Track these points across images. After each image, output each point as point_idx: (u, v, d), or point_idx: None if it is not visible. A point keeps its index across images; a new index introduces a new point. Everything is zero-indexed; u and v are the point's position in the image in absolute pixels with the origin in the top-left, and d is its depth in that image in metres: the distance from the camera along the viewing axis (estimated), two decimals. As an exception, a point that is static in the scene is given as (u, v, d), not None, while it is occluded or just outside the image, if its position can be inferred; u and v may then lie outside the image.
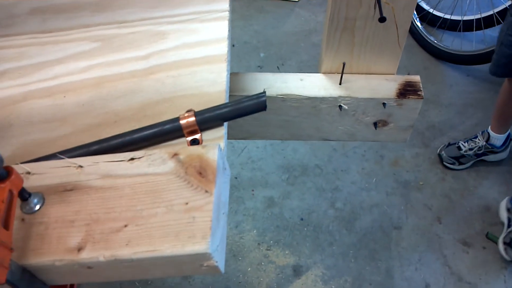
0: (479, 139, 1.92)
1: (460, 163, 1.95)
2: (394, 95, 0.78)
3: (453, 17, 2.31)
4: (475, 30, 2.25)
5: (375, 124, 0.83)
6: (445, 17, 2.32)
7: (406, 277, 1.72)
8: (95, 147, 0.56)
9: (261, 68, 2.32)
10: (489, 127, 1.93)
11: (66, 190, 0.50)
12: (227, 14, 0.70)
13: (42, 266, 0.46)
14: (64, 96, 0.64)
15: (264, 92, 0.56)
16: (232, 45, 2.28)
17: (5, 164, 0.45)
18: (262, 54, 2.39)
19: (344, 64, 0.77)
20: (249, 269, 1.75)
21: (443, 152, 1.96)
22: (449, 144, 1.98)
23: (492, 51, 1.87)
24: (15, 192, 0.46)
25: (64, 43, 0.71)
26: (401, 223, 1.85)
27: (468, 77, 2.29)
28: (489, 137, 1.90)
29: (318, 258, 1.76)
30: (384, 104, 0.79)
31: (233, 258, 1.76)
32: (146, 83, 0.64)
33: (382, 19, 0.68)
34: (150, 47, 0.68)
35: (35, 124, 0.62)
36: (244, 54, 2.37)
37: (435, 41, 2.30)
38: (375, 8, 0.71)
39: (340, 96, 0.79)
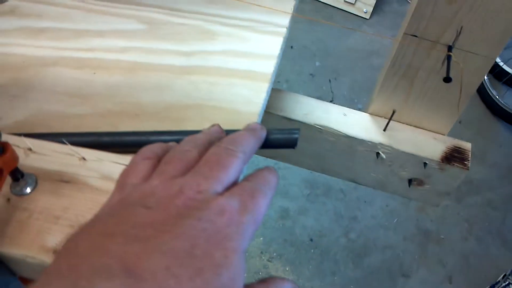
0: None
1: None
2: (438, 157, 0.72)
3: (521, 77, 2.20)
4: (542, 95, 2.14)
5: (409, 180, 0.77)
6: (512, 73, 2.22)
7: (401, 330, 1.65)
8: (106, 139, 0.52)
9: (313, 77, 2.26)
10: None
11: (62, 180, 0.47)
12: (284, 30, 0.65)
13: (13, 257, 0.42)
14: (94, 73, 0.60)
15: (298, 129, 0.51)
16: (290, 47, 2.23)
17: (5, 138, 0.42)
18: (317, 63, 2.32)
19: (394, 112, 0.71)
20: (245, 274, 1.71)
21: None
22: None
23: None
24: (6, 172, 0.42)
25: (110, 16, 0.67)
26: (410, 272, 1.77)
27: (521, 141, 2.18)
28: None
29: (316, 284, 1.70)
30: (425, 164, 0.73)
31: (232, 260, 1.73)
32: (179, 82, 0.59)
33: (447, 79, 0.61)
34: (195, 45, 0.64)
35: (57, 94, 0.58)
36: (300, 58, 2.31)
37: (497, 96, 2.20)
38: (443, 64, 0.65)
39: (380, 143, 0.73)
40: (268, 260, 1.73)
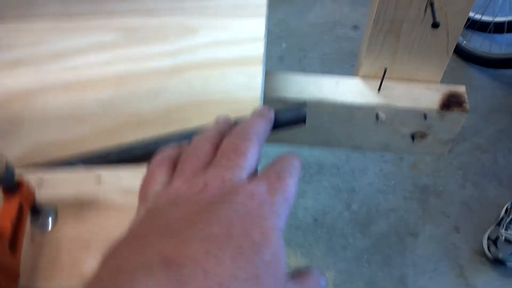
0: None
1: None
2: (437, 106, 0.72)
3: (484, 18, 2.22)
4: (506, 33, 2.17)
5: (412, 135, 0.77)
6: (475, 17, 2.24)
7: (420, 286, 1.67)
8: (115, 154, 0.51)
9: (282, 59, 2.26)
10: None
11: (82, 205, 0.45)
12: (264, 10, 0.64)
13: (52, 291, 0.41)
14: (83, 92, 0.59)
15: (305, 104, 0.50)
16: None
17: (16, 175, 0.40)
18: (284, 44, 2.32)
19: (385, 70, 0.71)
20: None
21: (501, 255, 1.67)
22: (494, 241, 1.71)
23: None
24: (26, 208, 0.41)
25: (85, 30, 0.65)
26: (417, 229, 1.79)
27: (494, 80, 2.22)
28: None
29: (330, 262, 1.71)
30: (425, 115, 0.73)
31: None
32: (172, 83, 0.58)
33: (435, 25, 0.61)
34: (179, 42, 0.62)
35: (49, 121, 0.56)
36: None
37: (464, 42, 2.22)
38: (425, 11, 0.65)
39: (378, 104, 0.72)
40: (278, 248, 1.73)
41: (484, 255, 1.72)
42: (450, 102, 0.73)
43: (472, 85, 2.20)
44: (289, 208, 0.35)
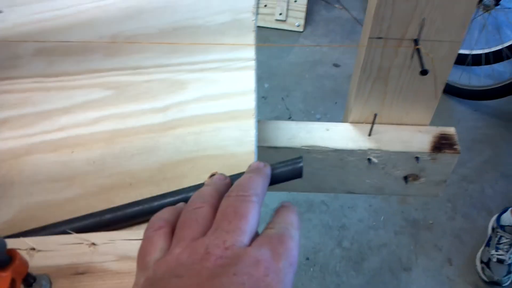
0: (506, 238, 1.72)
1: (511, 272, 1.74)
2: (428, 148, 0.72)
3: (461, 51, 2.27)
4: (484, 65, 2.22)
5: (405, 178, 0.77)
6: (452, 51, 2.29)
7: (417, 324, 1.64)
8: (108, 216, 0.50)
9: (265, 99, 2.27)
10: (507, 216, 1.75)
11: (77, 273, 0.43)
12: (253, 63, 0.64)
13: None
14: (72, 152, 0.57)
15: (301, 158, 0.50)
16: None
17: (7, 245, 0.38)
18: (266, 85, 2.34)
19: (375, 116, 0.71)
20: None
21: (497, 278, 1.69)
22: (487, 263, 1.72)
23: (501, 87, 1.82)
24: (18, 281, 0.39)
25: (72, 90, 0.64)
26: (410, 264, 1.78)
27: (475, 112, 2.25)
28: None
29: (325, 302, 1.68)
30: (417, 158, 0.73)
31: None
32: (165, 140, 0.57)
33: (424, 72, 0.62)
34: (168, 98, 0.62)
35: (39, 183, 0.55)
36: (248, 84, 2.32)
37: (443, 75, 2.26)
38: (412, 58, 0.65)
39: (369, 149, 0.72)
40: (271, 291, 1.70)
41: (479, 280, 1.71)
42: (442, 144, 0.73)
43: (453, 118, 2.23)
44: (294, 272, 0.34)
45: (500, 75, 2.21)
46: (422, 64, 0.62)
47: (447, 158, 0.73)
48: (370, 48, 0.65)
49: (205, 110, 0.60)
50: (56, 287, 0.43)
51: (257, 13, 0.71)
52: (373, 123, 0.72)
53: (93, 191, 0.54)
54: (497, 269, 1.69)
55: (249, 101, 0.60)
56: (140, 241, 0.44)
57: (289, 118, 2.17)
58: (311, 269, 1.76)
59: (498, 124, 2.19)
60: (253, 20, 0.69)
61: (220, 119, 0.59)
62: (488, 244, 1.76)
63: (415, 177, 0.77)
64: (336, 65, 2.44)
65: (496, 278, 1.68)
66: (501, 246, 1.72)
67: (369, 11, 0.63)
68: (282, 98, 2.28)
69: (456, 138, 0.74)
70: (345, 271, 1.76)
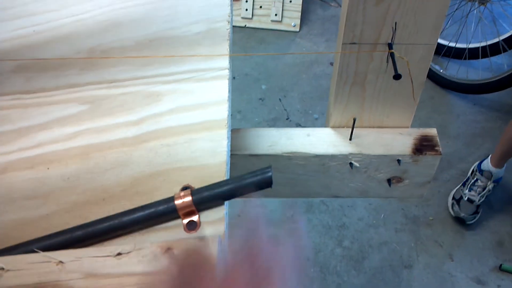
0: (481, 181, 1.84)
1: (478, 213, 1.84)
2: (409, 151, 0.72)
3: (458, 45, 2.25)
4: (481, 58, 2.20)
5: (388, 180, 0.77)
6: (449, 45, 2.27)
7: (419, 321, 1.64)
8: (79, 233, 0.50)
9: (263, 101, 2.27)
10: (487, 162, 1.86)
11: (44, 292, 0.44)
12: (227, 72, 0.64)
13: None
14: (48, 168, 0.58)
15: (270, 167, 0.50)
16: (233, 78, 2.23)
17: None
18: (263, 86, 2.33)
19: (354, 120, 0.71)
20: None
21: (462, 214, 1.81)
22: (457, 201, 1.85)
23: (499, 80, 1.81)
24: (-17, 304, 0.40)
25: (49, 105, 0.65)
26: (411, 261, 1.77)
27: (474, 106, 2.23)
28: (492, 175, 1.83)
29: (326, 302, 1.68)
30: (398, 161, 0.73)
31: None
32: (138, 153, 0.57)
33: (397, 77, 0.62)
34: (143, 111, 0.62)
35: (14, 201, 0.55)
36: (245, 86, 2.31)
37: (440, 70, 2.25)
38: (387, 61, 0.65)
39: (350, 153, 0.72)
40: (272, 293, 1.70)
41: (482, 274, 1.71)
42: (423, 146, 0.73)
43: (452, 112, 2.21)
44: None
45: (498, 68, 2.19)
46: (395, 69, 0.62)
47: (429, 160, 0.73)
48: (345, 53, 0.65)
49: (179, 121, 0.60)
50: (24, 307, 0.43)
51: (231, 22, 0.71)
52: (353, 127, 0.72)
53: (67, 208, 0.54)
54: (465, 207, 1.81)
55: (223, 111, 0.60)
56: (105, 258, 0.45)
57: (287, 119, 2.17)
58: (312, 269, 1.75)
59: (498, 117, 2.18)
60: (227, 29, 0.69)
61: (193, 130, 0.59)
62: (464, 184, 1.88)
63: (399, 180, 0.77)
64: (333, 64, 2.42)
65: (462, 215, 1.80)
66: (474, 188, 1.83)
67: (342, 17, 0.63)
68: (280, 99, 2.28)
69: (437, 139, 0.74)
70: (346, 270, 1.75)
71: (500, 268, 1.72)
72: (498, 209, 1.89)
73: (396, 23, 0.61)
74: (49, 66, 0.69)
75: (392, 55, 0.63)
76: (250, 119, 2.20)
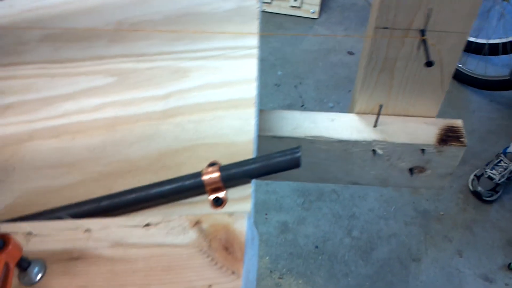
0: (504, 162, 1.88)
1: (496, 192, 1.88)
2: (434, 141, 0.71)
3: (478, 40, 2.23)
4: (501, 54, 2.17)
5: (410, 170, 0.76)
6: (470, 39, 2.25)
7: (425, 314, 1.64)
8: (105, 203, 0.50)
9: (278, 86, 2.26)
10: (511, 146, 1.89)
11: (71, 258, 0.44)
12: (256, 51, 0.64)
13: None
14: (73, 138, 0.58)
15: (299, 147, 0.49)
16: (248, 62, 2.22)
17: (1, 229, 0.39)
18: (279, 72, 2.32)
19: (381, 107, 0.70)
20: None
21: (479, 188, 1.86)
22: (478, 177, 1.90)
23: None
24: (12, 265, 0.39)
25: (76, 76, 0.64)
26: (420, 255, 1.77)
27: (491, 102, 2.21)
28: None
29: (332, 290, 1.68)
30: (423, 150, 0.72)
31: (244, 287, 1.69)
32: (164, 128, 0.57)
33: (429, 64, 0.61)
34: (170, 86, 0.61)
35: (39, 169, 0.55)
36: (261, 71, 2.30)
37: (459, 65, 2.23)
38: (418, 49, 0.64)
39: (374, 140, 0.72)
40: (279, 278, 1.70)
41: (490, 272, 1.70)
42: (448, 137, 0.72)
43: (468, 108, 2.19)
44: None
45: (518, 65, 2.17)
46: (427, 55, 0.61)
47: (453, 150, 0.72)
48: (376, 38, 0.64)
49: (206, 98, 0.60)
50: (50, 271, 0.43)
51: (261, 0, 0.70)
52: (378, 114, 0.71)
53: (92, 178, 0.54)
54: (484, 183, 1.86)
55: (251, 90, 0.59)
56: (133, 228, 0.45)
57: (302, 106, 2.16)
58: (320, 257, 1.76)
59: (514, 115, 2.16)
60: (257, 8, 0.68)
61: (220, 107, 0.58)
62: (487, 164, 1.93)
63: (421, 169, 0.76)
64: (350, 53, 2.41)
65: (479, 188, 1.86)
66: (497, 168, 1.88)
67: (375, 0, 0.62)
68: (295, 86, 2.27)
69: (463, 130, 0.73)
70: (353, 260, 1.75)
71: (509, 267, 1.71)
72: (509, 209, 1.88)
73: (430, 9, 0.60)
74: (77, 37, 0.69)
75: (424, 42, 0.62)
76: (264, 104, 2.19)
